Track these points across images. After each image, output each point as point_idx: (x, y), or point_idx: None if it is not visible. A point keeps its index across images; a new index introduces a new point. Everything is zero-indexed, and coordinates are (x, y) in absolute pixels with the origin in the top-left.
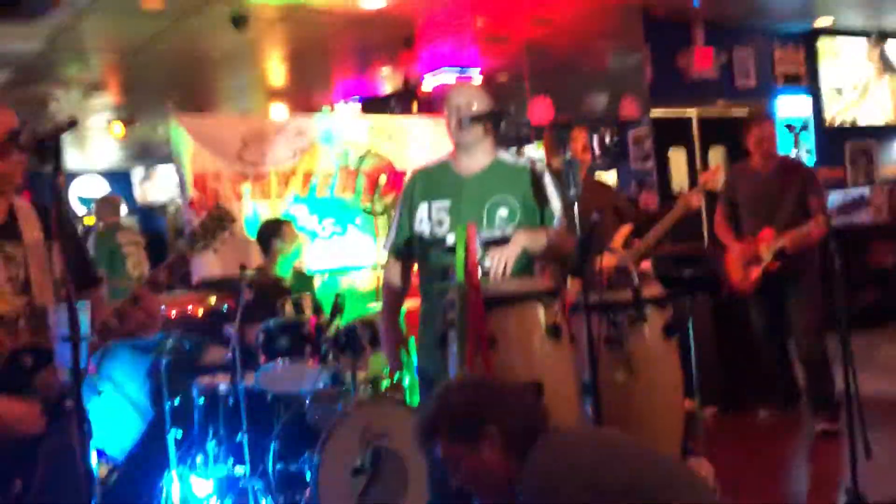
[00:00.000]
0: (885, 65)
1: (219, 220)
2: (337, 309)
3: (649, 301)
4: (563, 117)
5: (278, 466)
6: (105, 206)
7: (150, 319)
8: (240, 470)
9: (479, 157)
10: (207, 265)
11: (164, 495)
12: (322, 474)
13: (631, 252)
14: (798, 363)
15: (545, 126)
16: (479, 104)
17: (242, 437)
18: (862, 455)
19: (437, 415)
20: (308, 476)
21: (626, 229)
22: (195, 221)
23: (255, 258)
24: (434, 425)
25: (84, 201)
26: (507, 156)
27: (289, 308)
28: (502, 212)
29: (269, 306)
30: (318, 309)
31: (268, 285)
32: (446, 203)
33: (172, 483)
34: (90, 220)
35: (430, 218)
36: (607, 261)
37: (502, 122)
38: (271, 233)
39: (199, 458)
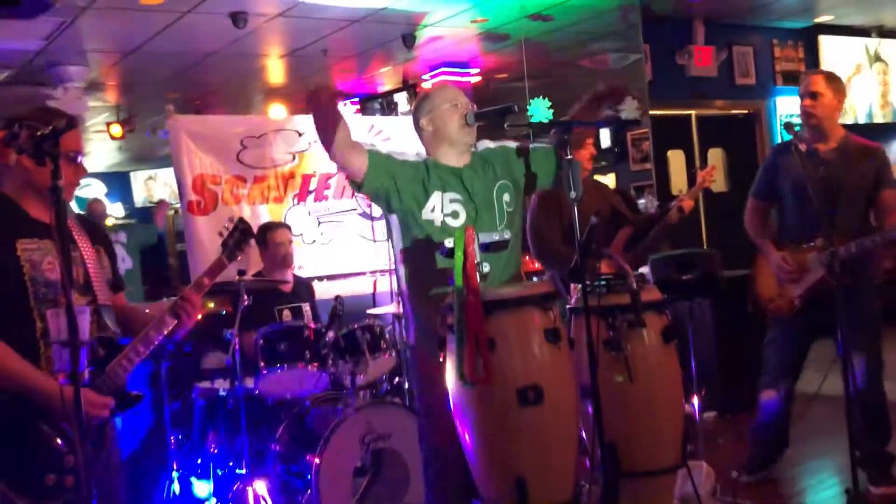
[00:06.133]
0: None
1: (245, 234)
2: (336, 314)
3: (648, 305)
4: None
5: (279, 468)
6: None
7: (195, 311)
8: (240, 472)
9: (466, 154)
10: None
11: (164, 497)
12: (322, 476)
13: (629, 257)
14: (856, 409)
15: (547, 125)
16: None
17: (242, 441)
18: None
19: None
20: (309, 478)
21: (625, 233)
22: (224, 233)
23: (254, 263)
24: None
25: (80, 201)
26: (482, 145)
27: (287, 313)
28: (506, 197)
29: (268, 311)
30: (316, 314)
31: (266, 290)
32: (458, 196)
33: (173, 485)
34: None
35: (442, 209)
36: (605, 266)
37: (506, 119)
38: (259, 238)
39: (200, 461)
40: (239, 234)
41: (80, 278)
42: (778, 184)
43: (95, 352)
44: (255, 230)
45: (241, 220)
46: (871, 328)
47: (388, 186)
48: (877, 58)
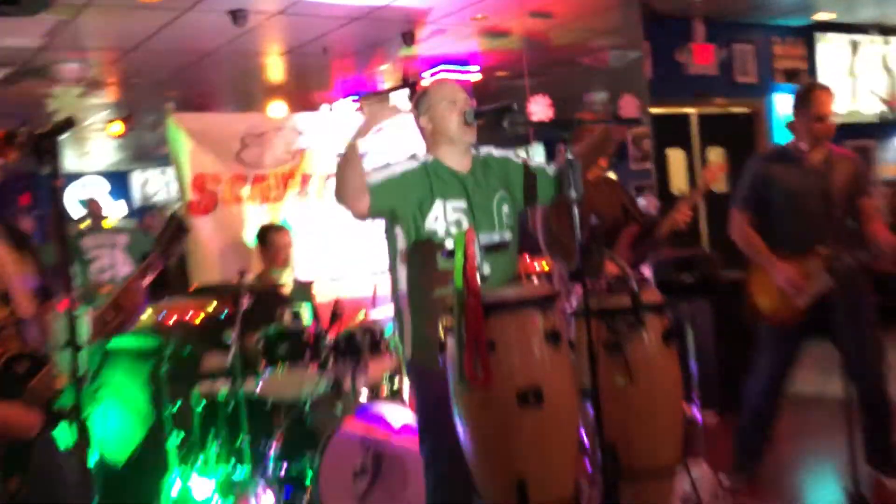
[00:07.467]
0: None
1: (179, 230)
2: (335, 315)
3: (648, 307)
4: (568, 115)
5: (279, 469)
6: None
7: (138, 298)
8: (240, 474)
9: (468, 155)
10: (206, 270)
11: (164, 497)
12: (323, 478)
13: (635, 254)
14: (860, 408)
15: (550, 124)
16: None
17: (243, 442)
18: (862, 457)
19: None
20: (309, 480)
21: (631, 231)
22: (158, 229)
23: (255, 264)
24: None
25: (83, 203)
26: (486, 150)
27: (287, 315)
28: (505, 208)
29: (268, 313)
30: (316, 315)
31: (267, 292)
32: (461, 203)
33: (173, 485)
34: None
35: (445, 218)
36: (609, 267)
37: (505, 118)
38: (260, 239)
39: (200, 463)
40: (173, 230)
41: None
42: (769, 194)
43: (13, 367)
44: (256, 231)
45: (174, 214)
46: (873, 326)
47: (392, 210)
48: (877, 56)
